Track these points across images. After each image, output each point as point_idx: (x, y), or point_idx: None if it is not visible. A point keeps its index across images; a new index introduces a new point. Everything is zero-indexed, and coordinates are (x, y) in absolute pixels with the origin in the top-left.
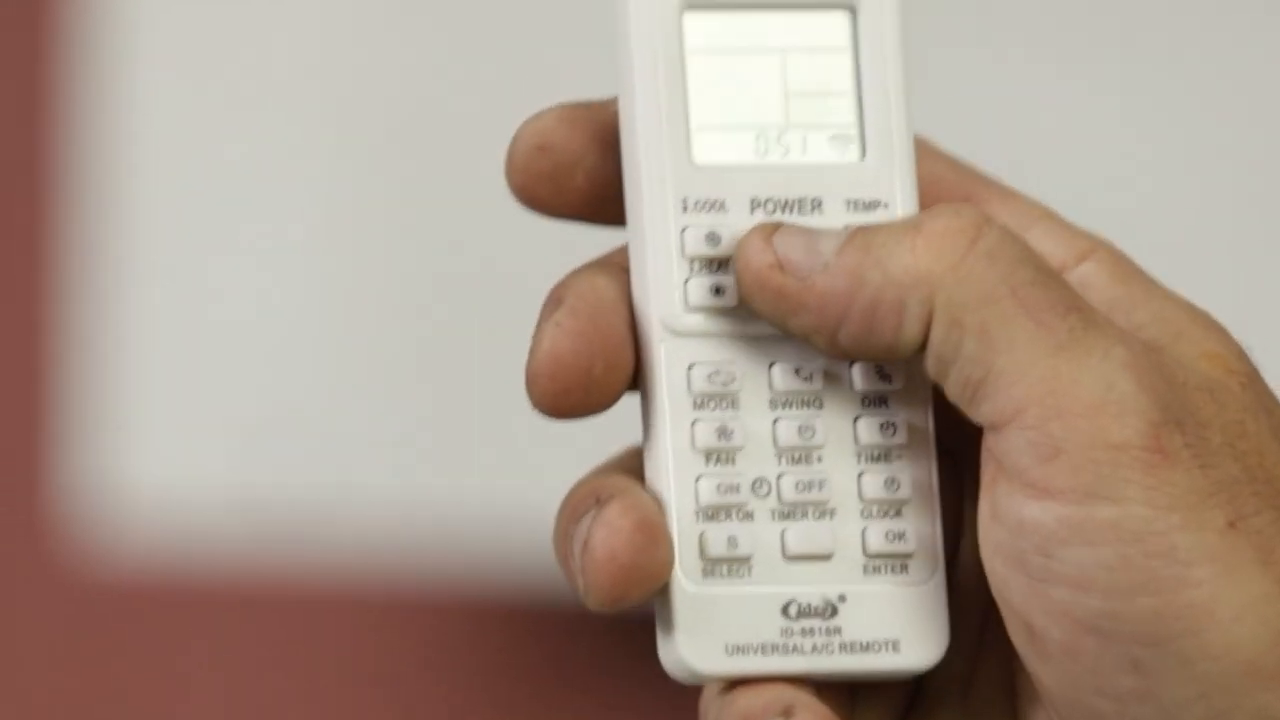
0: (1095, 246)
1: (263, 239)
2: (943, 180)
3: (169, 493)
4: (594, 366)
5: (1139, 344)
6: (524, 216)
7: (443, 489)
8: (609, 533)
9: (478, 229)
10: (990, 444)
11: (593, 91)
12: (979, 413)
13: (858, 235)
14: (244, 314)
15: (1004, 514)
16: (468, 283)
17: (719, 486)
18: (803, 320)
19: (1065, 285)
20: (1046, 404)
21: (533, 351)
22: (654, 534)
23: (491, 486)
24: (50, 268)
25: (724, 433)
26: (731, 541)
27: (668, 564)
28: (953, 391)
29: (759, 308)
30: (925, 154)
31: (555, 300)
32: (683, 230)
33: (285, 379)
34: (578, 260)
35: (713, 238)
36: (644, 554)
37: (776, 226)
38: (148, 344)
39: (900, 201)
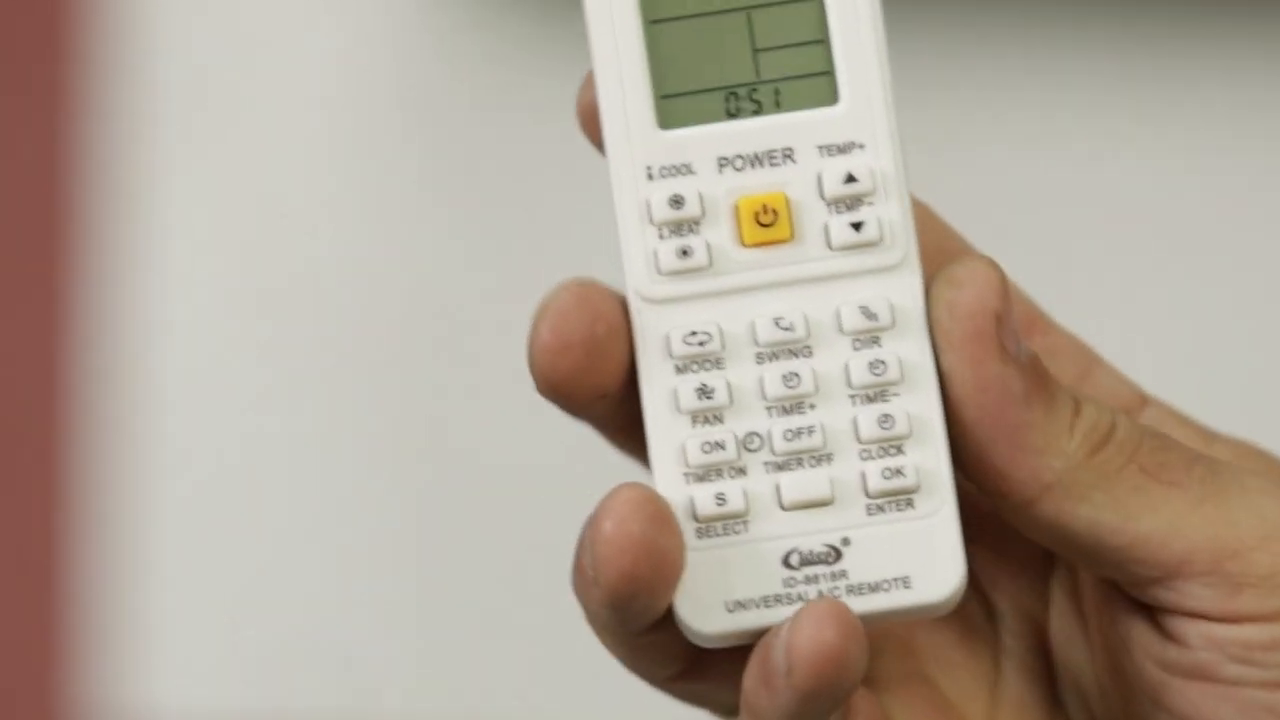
0: (1145, 393)
1: (276, 470)
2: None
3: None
4: (596, 326)
5: (1256, 473)
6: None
7: (463, 713)
8: (613, 518)
9: (503, 442)
10: (1136, 591)
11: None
12: (1122, 574)
13: None
14: (262, 542)
15: (1184, 636)
16: (493, 506)
17: (704, 445)
18: None
19: (1175, 443)
20: (1213, 550)
21: (536, 312)
22: (659, 513)
23: (513, 713)
24: (67, 494)
25: (705, 392)
26: (720, 499)
27: (680, 547)
28: (1078, 557)
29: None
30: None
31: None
32: (648, 197)
33: (305, 604)
34: (601, 456)
35: (677, 200)
36: (654, 527)
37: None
38: (167, 570)
39: (879, 141)
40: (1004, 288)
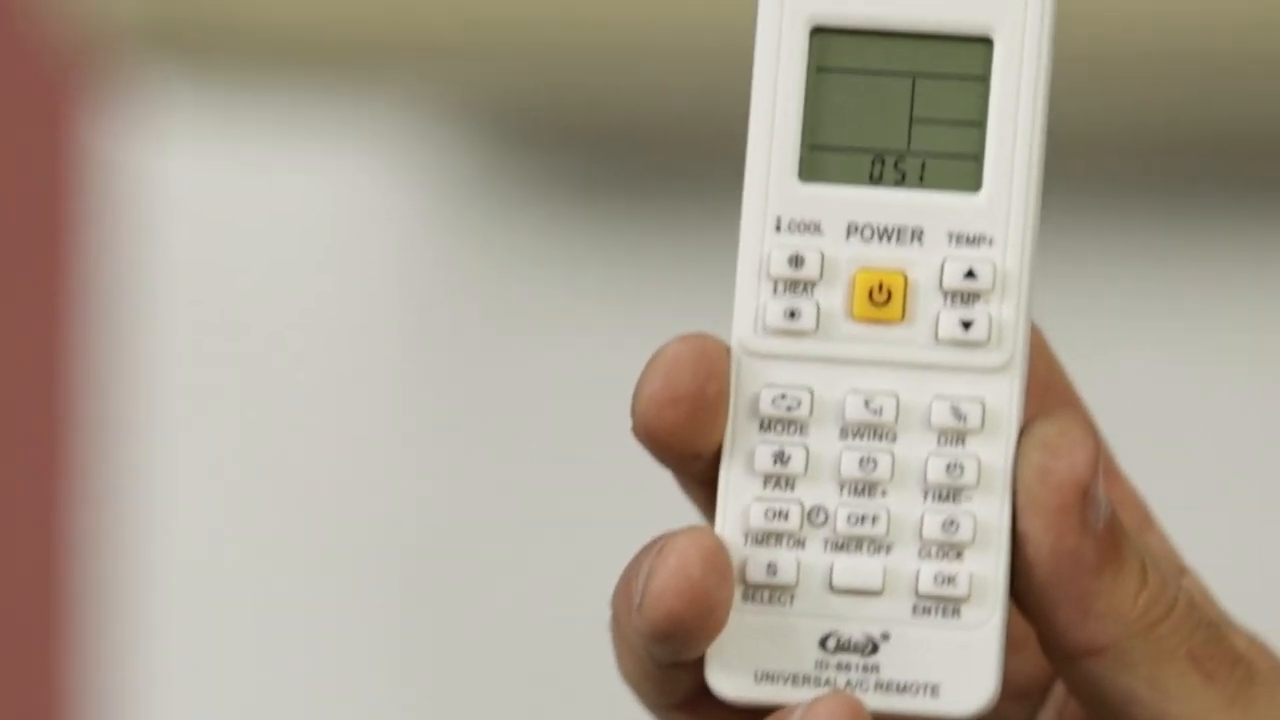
0: (1184, 564)
1: (282, 674)
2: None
3: None
4: (708, 385)
5: None
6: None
7: None
8: (679, 557)
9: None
10: None
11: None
12: None
13: None
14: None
15: None
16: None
17: (768, 511)
18: None
19: (1224, 637)
20: None
21: (652, 358)
22: (722, 567)
23: None
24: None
25: (782, 458)
26: (771, 568)
27: (729, 603)
28: (1098, 713)
29: None
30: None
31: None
32: (770, 250)
33: None
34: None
35: (797, 260)
36: (712, 578)
37: None
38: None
39: (1010, 239)
40: (1096, 458)
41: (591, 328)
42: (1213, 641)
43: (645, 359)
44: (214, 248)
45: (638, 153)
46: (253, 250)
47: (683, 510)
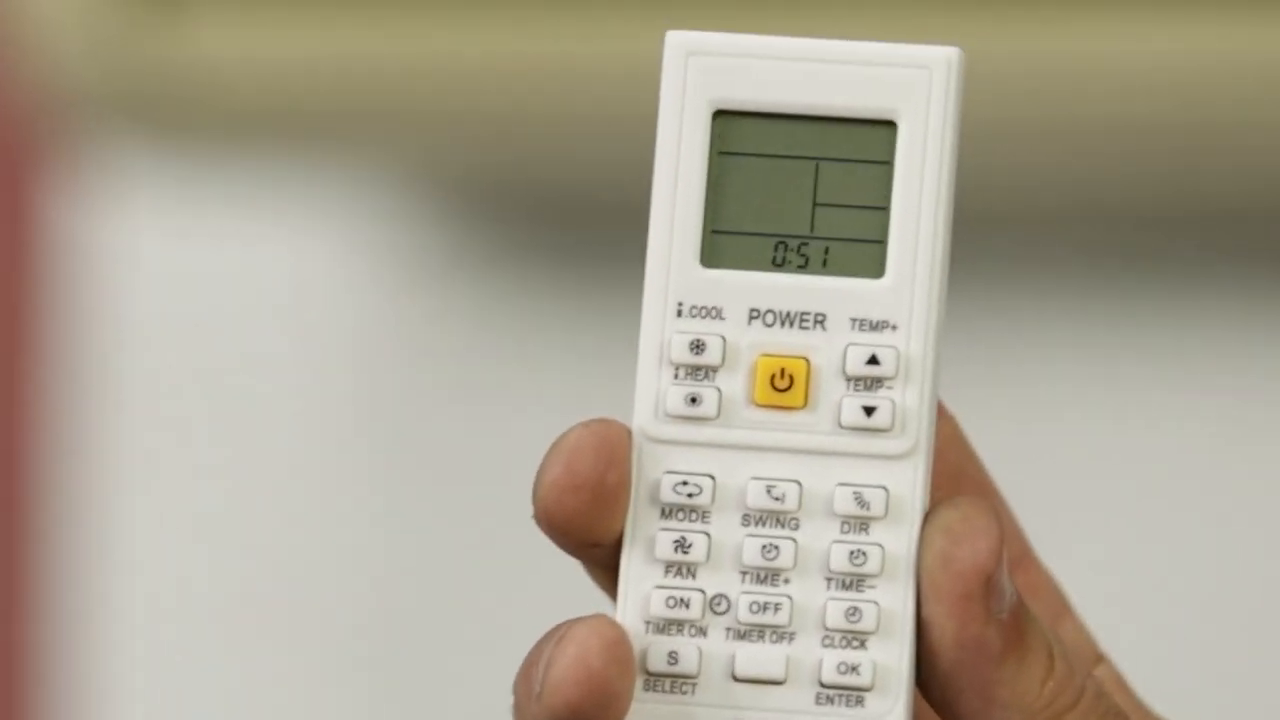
0: (1101, 652)
1: None
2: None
3: None
4: (609, 474)
5: None
6: None
7: None
8: (578, 647)
9: None
10: None
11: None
12: None
13: None
14: None
15: None
16: None
17: (669, 599)
18: None
19: None
20: None
21: (554, 443)
22: (623, 657)
23: None
24: None
25: (683, 545)
26: (672, 657)
27: (629, 693)
28: None
29: None
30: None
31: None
32: (671, 336)
33: None
34: None
35: (698, 345)
36: (613, 668)
37: None
38: None
39: (914, 325)
40: (999, 545)
41: (549, 398)
42: None
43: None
44: (174, 317)
45: (596, 224)
46: (213, 320)
47: None
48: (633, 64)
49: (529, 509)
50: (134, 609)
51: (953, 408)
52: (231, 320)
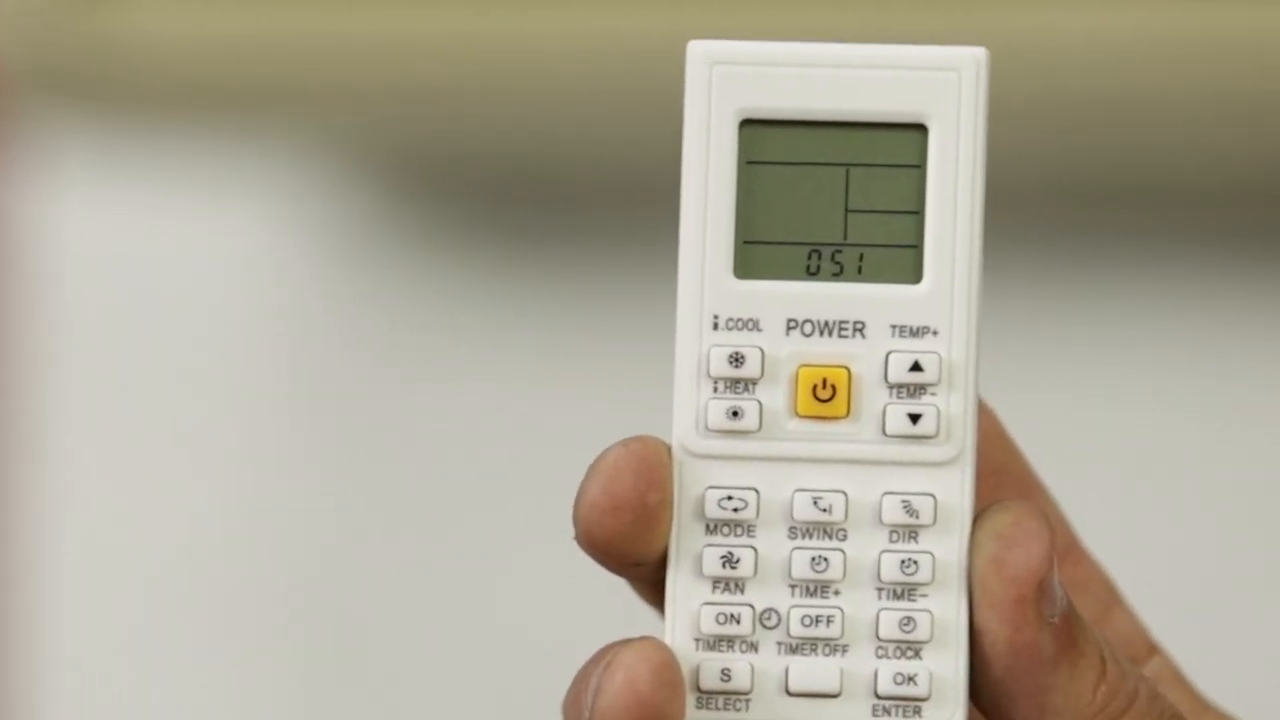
0: (1154, 642)
1: None
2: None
3: None
4: (649, 494)
5: None
6: None
7: None
8: (626, 672)
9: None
10: None
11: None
12: None
13: None
14: None
15: None
16: None
17: (719, 615)
18: None
19: None
20: None
21: (593, 464)
22: (673, 680)
23: None
24: None
25: (731, 560)
26: (725, 674)
27: (681, 715)
28: None
29: None
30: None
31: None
32: (709, 349)
33: None
34: None
35: (737, 358)
36: (663, 692)
37: None
38: None
39: (954, 330)
40: (1051, 549)
41: (479, 372)
42: None
43: (533, 404)
44: (106, 294)
45: (526, 198)
46: (146, 296)
47: (556, 539)
48: (565, 38)
49: (460, 481)
50: (65, 588)
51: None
52: (164, 297)
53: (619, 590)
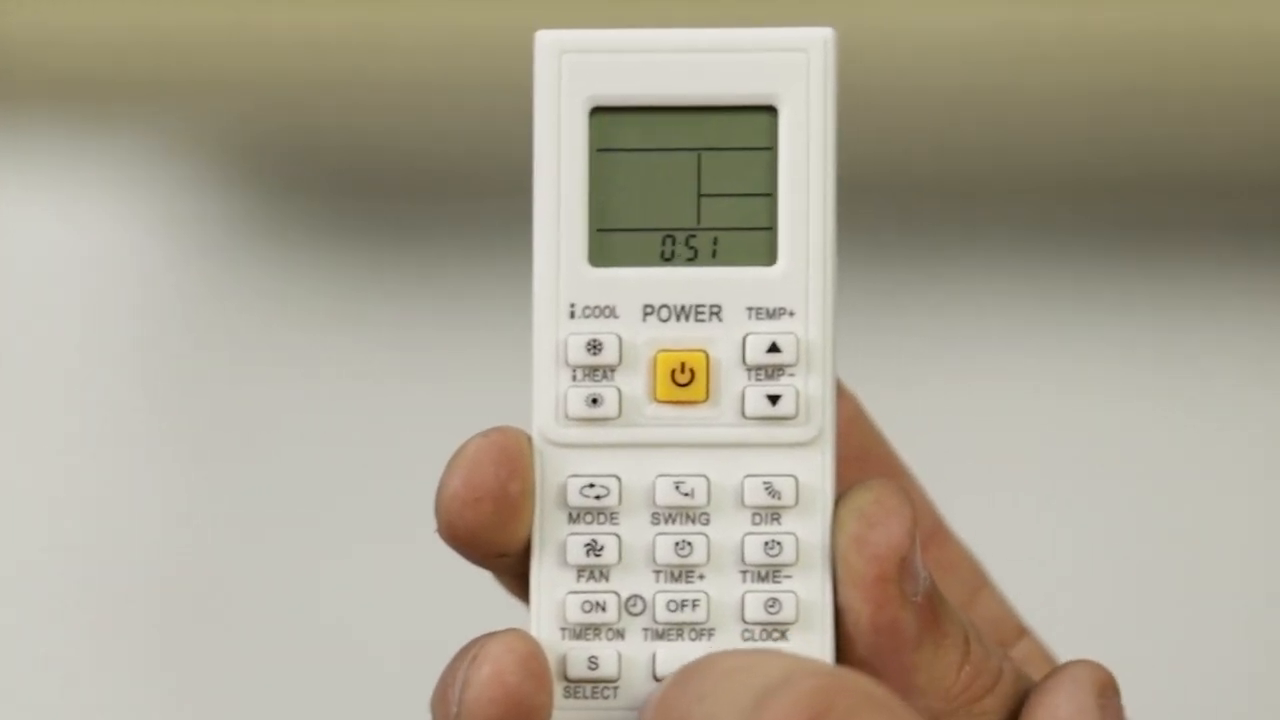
0: (1024, 624)
1: None
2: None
3: None
4: (510, 484)
5: None
6: None
7: None
8: (493, 664)
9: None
10: None
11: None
12: None
13: None
14: None
15: None
16: None
17: (584, 604)
18: None
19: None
20: None
21: (453, 457)
22: (539, 671)
23: None
24: None
25: (595, 548)
26: (592, 662)
27: (548, 706)
28: None
29: None
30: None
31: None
32: (567, 337)
33: None
34: None
35: (594, 345)
36: (529, 683)
37: None
38: None
39: (811, 310)
40: (913, 526)
41: (337, 366)
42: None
43: (393, 396)
44: None
45: (387, 193)
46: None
47: (414, 537)
48: (417, 31)
49: (319, 476)
50: None
51: (876, 383)
52: (16, 291)
53: (484, 583)
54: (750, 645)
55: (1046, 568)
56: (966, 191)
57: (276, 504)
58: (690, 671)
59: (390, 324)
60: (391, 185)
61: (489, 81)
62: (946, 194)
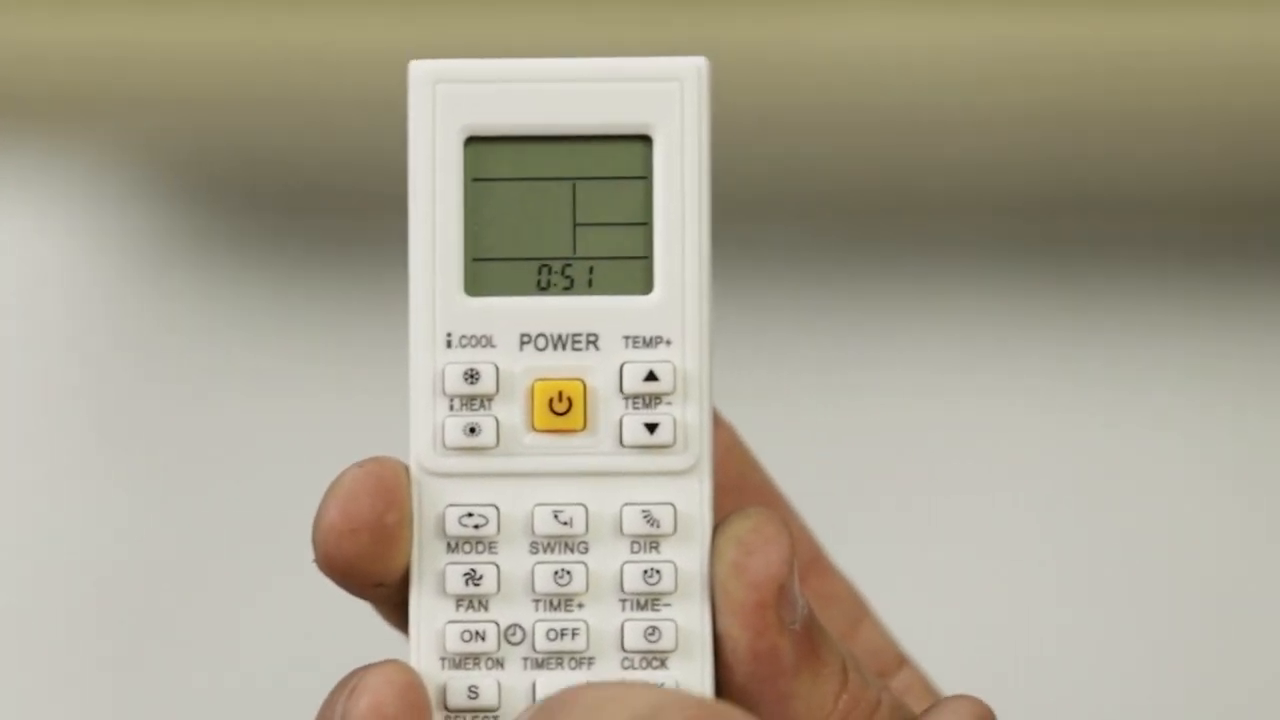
0: (904, 655)
1: None
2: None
3: None
4: (387, 515)
5: None
6: None
7: None
8: (371, 696)
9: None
10: None
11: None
12: None
13: None
14: None
15: None
16: None
17: (464, 634)
18: None
19: None
20: None
21: (329, 487)
22: (418, 701)
23: None
24: None
25: (474, 578)
26: (472, 692)
27: None
28: None
29: None
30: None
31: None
32: (444, 367)
33: None
34: None
35: (472, 374)
36: (408, 714)
37: None
38: None
39: (688, 339)
40: (791, 554)
41: (270, 383)
42: None
43: (323, 414)
44: None
45: (319, 210)
46: None
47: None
48: (354, 50)
49: (254, 495)
50: None
51: (765, 409)
52: None
53: (366, 614)
54: (618, 676)
55: (983, 580)
56: (910, 208)
57: (209, 516)
58: (555, 703)
59: (318, 338)
60: (317, 200)
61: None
62: (893, 211)
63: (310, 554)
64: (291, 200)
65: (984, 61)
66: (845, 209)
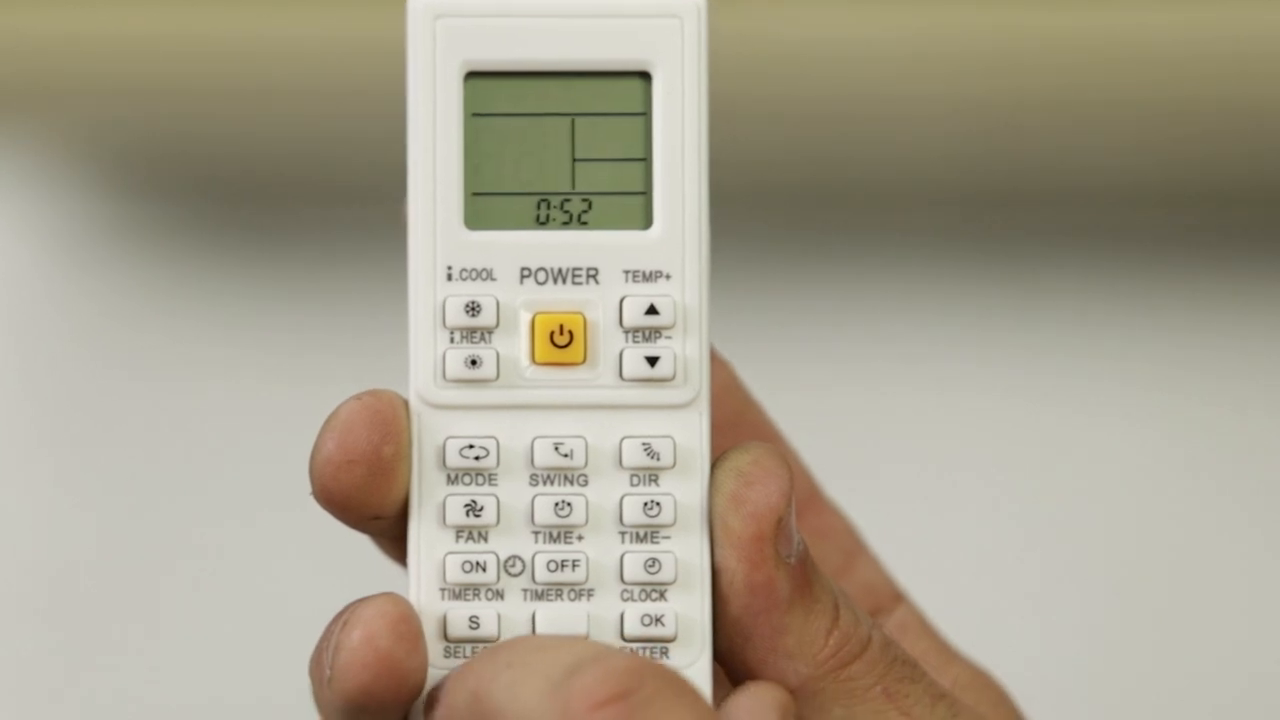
0: (900, 591)
1: None
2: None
3: None
4: (384, 446)
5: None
6: None
7: None
8: (364, 628)
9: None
10: None
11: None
12: None
13: None
14: None
15: None
16: None
17: (464, 564)
18: None
19: (922, 675)
20: None
21: (326, 420)
22: (411, 633)
23: None
24: None
25: (474, 509)
26: (473, 622)
27: (422, 669)
28: None
29: None
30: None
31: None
32: (444, 299)
33: None
34: None
35: (473, 307)
36: (401, 646)
37: None
38: None
39: (687, 274)
40: (790, 487)
41: (215, 371)
42: (909, 679)
43: (275, 400)
44: None
45: (263, 198)
46: None
47: (319, 538)
48: (293, 39)
49: (203, 480)
50: None
51: (773, 354)
52: None
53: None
54: (618, 608)
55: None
56: (876, 198)
57: (157, 507)
58: (501, 645)
59: (266, 325)
60: (256, 189)
61: (356, 87)
62: (858, 202)
63: (308, 487)
64: (236, 188)
65: (953, 53)
66: (811, 200)
